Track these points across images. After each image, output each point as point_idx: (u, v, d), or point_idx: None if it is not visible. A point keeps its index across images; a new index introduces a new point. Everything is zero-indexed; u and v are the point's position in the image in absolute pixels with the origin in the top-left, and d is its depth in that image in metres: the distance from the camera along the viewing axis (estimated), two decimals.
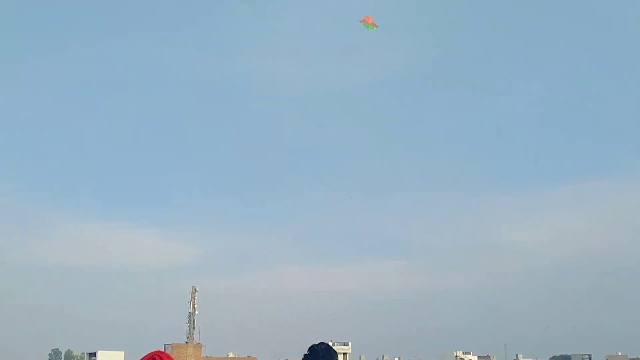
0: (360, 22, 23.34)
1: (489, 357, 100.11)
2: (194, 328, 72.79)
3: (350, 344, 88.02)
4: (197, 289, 76.42)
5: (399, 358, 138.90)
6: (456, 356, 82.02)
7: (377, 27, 23.46)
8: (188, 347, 60.99)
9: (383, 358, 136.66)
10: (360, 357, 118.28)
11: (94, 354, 46.38)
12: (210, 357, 63.39)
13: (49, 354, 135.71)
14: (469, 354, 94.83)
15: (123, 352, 48.16)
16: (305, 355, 4.22)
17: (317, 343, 4.29)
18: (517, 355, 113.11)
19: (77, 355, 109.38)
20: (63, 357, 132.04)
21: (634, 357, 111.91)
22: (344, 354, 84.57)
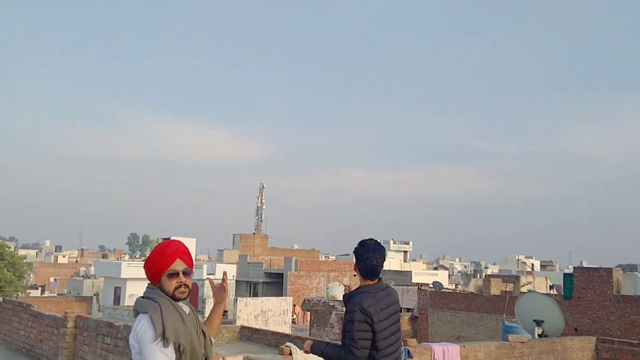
0: None
1: (552, 262, 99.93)
2: (261, 221, 75.74)
3: (411, 243, 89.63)
4: (264, 185, 78.73)
5: (460, 259, 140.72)
6: (518, 260, 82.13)
7: None
8: (255, 238, 63.82)
9: (444, 257, 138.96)
10: (421, 255, 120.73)
11: (168, 239, 49.43)
12: (276, 247, 66.26)
13: (128, 238, 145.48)
14: (532, 258, 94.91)
15: (195, 239, 51.04)
16: (356, 248, 4.28)
17: (367, 238, 4.34)
18: (581, 261, 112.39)
19: (153, 240, 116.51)
20: (140, 241, 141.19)
21: None
22: (405, 252, 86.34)
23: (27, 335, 12.15)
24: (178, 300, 3.19)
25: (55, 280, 67.30)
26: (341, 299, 33.63)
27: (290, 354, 6.42)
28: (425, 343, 7.62)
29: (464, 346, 7.75)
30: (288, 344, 6.58)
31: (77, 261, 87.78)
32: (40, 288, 63.00)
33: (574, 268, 32.09)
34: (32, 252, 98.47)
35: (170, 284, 3.16)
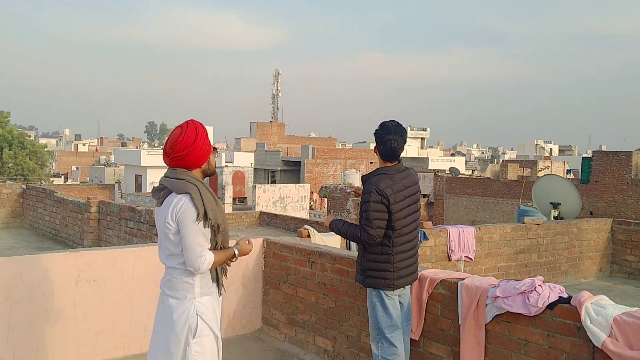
0: None
1: (571, 147, 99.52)
2: (277, 109, 75.43)
3: (428, 129, 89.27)
4: (280, 72, 77.59)
5: (477, 145, 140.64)
6: (536, 145, 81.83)
7: None
8: (272, 126, 63.91)
9: (461, 144, 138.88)
10: (438, 142, 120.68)
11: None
12: (293, 135, 66.46)
13: (145, 126, 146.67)
14: (550, 143, 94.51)
15: (212, 127, 51.10)
16: (376, 130, 4.18)
17: (387, 120, 4.21)
18: (600, 145, 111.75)
19: (171, 128, 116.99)
20: (158, 129, 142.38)
21: None
22: (422, 139, 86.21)
23: (52, 220, 12.56)
24: (212, 174, 3.30)
25: (77, 168, 68.78)
26: (358, 185, 34.11)
27: (308, 236, 6.53)
28: (441, 225, 7.71)
29: (479, 228, 7.83)
30: (306, 226, 6.68)
31: (97, 150, 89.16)
32: (62, 176, 64.52)
33: (593, 152, 31.86)
34: (53, 141, 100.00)
35: (214, 160, 3.29)
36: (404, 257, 4.12)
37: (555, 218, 9.75)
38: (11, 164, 48.36)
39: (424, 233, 7.02)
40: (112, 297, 5.14)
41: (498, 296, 3.96)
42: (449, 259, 7.39)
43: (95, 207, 10.10)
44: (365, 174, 4.25)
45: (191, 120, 3.23)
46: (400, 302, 4.21)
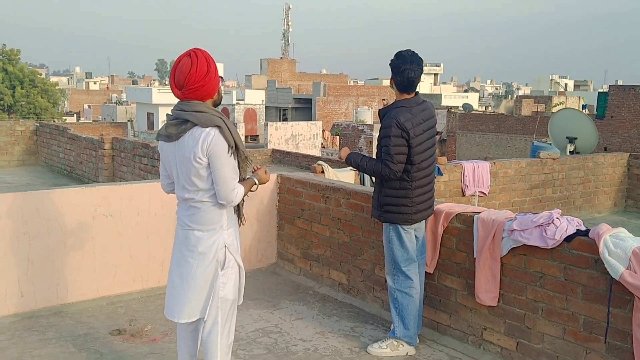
0: None
1: (587, 82, 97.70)
2: (288, 45, 74.25)
3: (442, 65, 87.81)
4: (290, 6, 75.90)
5: (491, 81, 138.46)
6: (551, 80, 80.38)
7: None
8: (283, 62, 63.06)
9: (475, 79, 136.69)
10: (451, 78, 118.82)
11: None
12: (304, 72, 65.67)
13: (156, 64, 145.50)
14: (565, 78, 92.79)
15: (222, 64, 50.35)
16: (392, 60, 4.05)
17: (404, 49, 4.07)
18: (616, 80, 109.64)
19: None
20: (168, 66, 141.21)
21: None
22: (435, 74, 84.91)
23: (67, 157, 12.63)
24: (219, 104, 3.22)
25: (89, 107, 68.73)
26: (370, 123, 33.87)
27: (322, 172, 6.51)
28: (456, 161, 7.65)
29: (494, 163, 7.77)
30: (320, 162, 6.66)
31: (107, 88, 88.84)
32: (75, 115, 64.61)
33: (610, 86, 31.21)
34: (64, 79, 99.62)
35: (221, 90, 3.20)
36: (422, 191, 4.09)
37: (571, 153, 9.64)
38: (23, 103, 48.39)
39: (438, 168, 6.97)
40: (129, 232, 5.20)
41: (515, 229, 3.94)
42: (463, 194, 7.37)
43: (109, 144, 10.13)
44: (382, 107, 4.16)
45: (197, 49, 3.10)
46: (415, 236, 4.21)
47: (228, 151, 2.97)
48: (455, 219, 4.33)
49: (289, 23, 74.29)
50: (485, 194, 7.53)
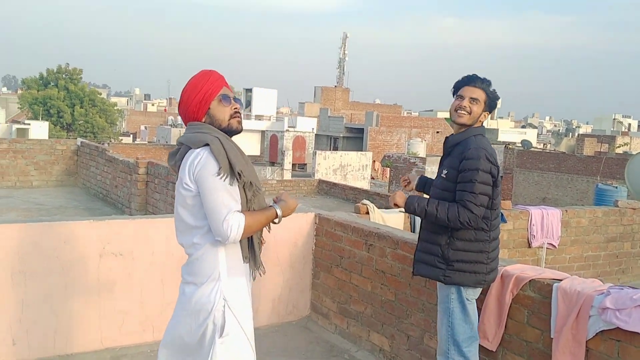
0: None
1: None
2: (343, 74, 74.11)
3: (499, 98, 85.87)
4: (348, 35, 75.98)
5: (550, 117, 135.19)
6: (614, 119, 77.39)
7: None
8: (337, 91, 62.78)
9: (533, 115, 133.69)
10: (508, 113, 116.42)
11: (250, 90, 49.49)
12: (358, 102, 65.22)
13: None
14: (629, 117, 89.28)
15: (276, 90, 50.40)
16: (475, 76, 3.30)
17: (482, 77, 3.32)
18: None
19: (236, 91, 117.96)
20: None
21: None
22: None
23: (104, 180, 12.23)
24: (233, 133, 2.51)
25: (145, 128, 70.08)
26: (422, 155, 32.89)
27: (367, 212, 5.74)
28: (522, 206, 6.74)
29: (566, 211, 6.82)
30: (365, 201, 5.88)
31: (165, 110, 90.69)
32: (131, 135, 65.91)
33: None
34: (123, 100, 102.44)
35: (224, 111, 2.48)
36: (497, 244, 3.29)
37: None
38: (82, 122, 49.55)
39: (502, 214, 6.09)
40: (142, 274, 4.53)
41: (608, 307, 3.06)
42: (529, 246, 6.44)
43: (144, 168, 9.61)
44: (453, 134, 3.34)
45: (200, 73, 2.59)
46: None
47: (218, 172, 2.31)
48: (528, 286, 3.46)
49: (346, 52, 74.30)
50: (554, 246, 6.57)
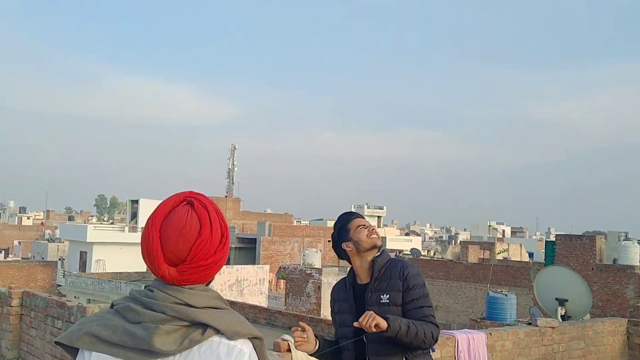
0: None
1: (522, 229, 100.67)
2: (233, 184, 73.86)
3: (385, 208, 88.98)
4: (236, 147, 76.67)
5: (430, 225, 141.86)
6: (489, 226, 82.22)
7: None
8: (227, 201, 62.15)
9: (415, 223, 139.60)
10: (392, 220, 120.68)
11: (136, 201, 47.75)
12: (249, 211, 64.82)
13: (95, 199, 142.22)
14: (502, 224, 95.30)
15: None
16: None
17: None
18: (549, 228, 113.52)
19: (122, 202, 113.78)
20: (108, 202, 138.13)
21: None
22: (379, 217, 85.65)
23: None
24: None
25: (19, 243, 64.98)
26: (318, 266, 32.58)
27: (289, 349, 5.04)
28: (447, 331, 6.34)
29: (490, 334, 6.50)
30: (285, 336, 5.19)
31: (42, 223, 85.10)
32: (3, 251, 60.67)
33: (557, 235, 31.46)
34: None
35: None
36: None
37: (562, 317, 8.52)
38: None
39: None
40: None
41: None
42: None
43: (18, 300, 8.23)
44: (376, 258, 3.25)
45: (199, 195, 1.68)
46: None
47: None
48: None
49: (235, 162, 74.57)
50: None
